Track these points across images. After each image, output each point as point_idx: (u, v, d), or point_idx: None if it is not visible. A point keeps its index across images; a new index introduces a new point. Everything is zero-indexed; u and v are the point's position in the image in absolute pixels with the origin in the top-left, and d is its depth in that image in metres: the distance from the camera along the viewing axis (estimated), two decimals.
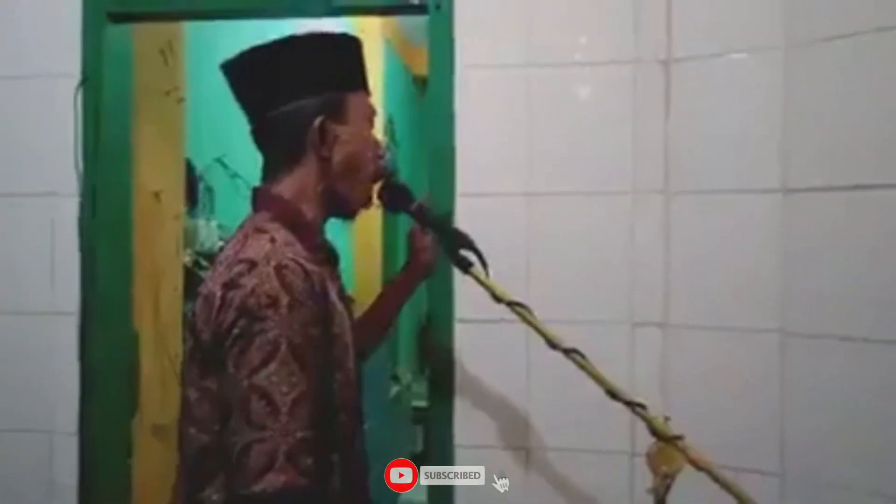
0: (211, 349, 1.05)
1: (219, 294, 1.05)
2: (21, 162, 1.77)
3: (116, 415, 1.82)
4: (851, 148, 1.39)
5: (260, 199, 1.19)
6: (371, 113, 1.23)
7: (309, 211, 1.18)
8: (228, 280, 1.05)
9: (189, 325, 1.11)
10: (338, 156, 1.17)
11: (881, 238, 1.36)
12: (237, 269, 1.05)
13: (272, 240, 1.08)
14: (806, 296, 1.45)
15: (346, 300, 1.26)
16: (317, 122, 1.14)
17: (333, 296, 1.15)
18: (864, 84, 1.38)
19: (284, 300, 1.01)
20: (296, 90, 1.15)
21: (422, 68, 1.73)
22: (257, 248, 1.07)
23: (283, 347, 0.99)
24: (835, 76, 1.41)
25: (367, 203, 1.26)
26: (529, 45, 1.63)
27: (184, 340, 1.16)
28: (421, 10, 1.66)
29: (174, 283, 2.30)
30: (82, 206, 1.74)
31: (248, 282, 1.02)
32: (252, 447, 0.97)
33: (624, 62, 1.60)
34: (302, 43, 1.16)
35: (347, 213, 1.25)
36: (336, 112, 1.17)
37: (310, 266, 1.07)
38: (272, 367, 0.98)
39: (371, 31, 4.08)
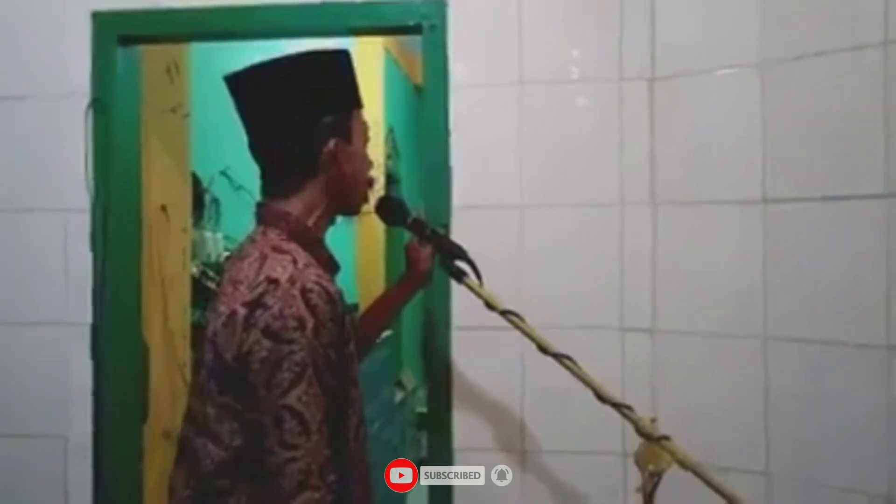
0: (235, 368, 1.07)
1: (242, 313, 1.06)
2: (35, 178, 1.83)
3: (128, 421, 1.87)
4: (827, 160, 1.45)
5: (267, 215, 1.20)
6: (367, 128, 1.28)
7: (315, 226, 1.21)
8: (252, 300, 1.06)
9: (210, 341, 1.11)
10: (346, 172, 1.22)
11: (856, 245, 1.42)
12: (260, 289, 1.06)
13: (294, 261, 1.10)
14: (786, 301, 1.50)
15: (349, 309, 1.32)
16: (331, 144, 1.18)
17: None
18: (838, 100, 1.44)
19: (310, 323, 1.04)
20: (307, 110, 1.18)
21: (421, 78, 1.78)
22: (279, 268, 1.08)
23: (310, 370, 1.03)
24: (810, 92, 1.47)
25: (366, 200, 1.30)
26: (520, 63, 1.69)
27: (198, 352, 1.17)
28: (416, 30, 1.73)
29: (182, 293, 2.36)
30: (94, 221, 1.80)
31: (274, 303, 1.04)
32: (287, 466, 1.01)
33: (610, 80, 1.67)
34: (306, 62, 1.19)
35: (352, 213, 1.29)
36: (344, 132, 1.21)
37: (332, 287, 1.10)
38: (301, 387, 1.03)
39: (371, 41, 4.12)
